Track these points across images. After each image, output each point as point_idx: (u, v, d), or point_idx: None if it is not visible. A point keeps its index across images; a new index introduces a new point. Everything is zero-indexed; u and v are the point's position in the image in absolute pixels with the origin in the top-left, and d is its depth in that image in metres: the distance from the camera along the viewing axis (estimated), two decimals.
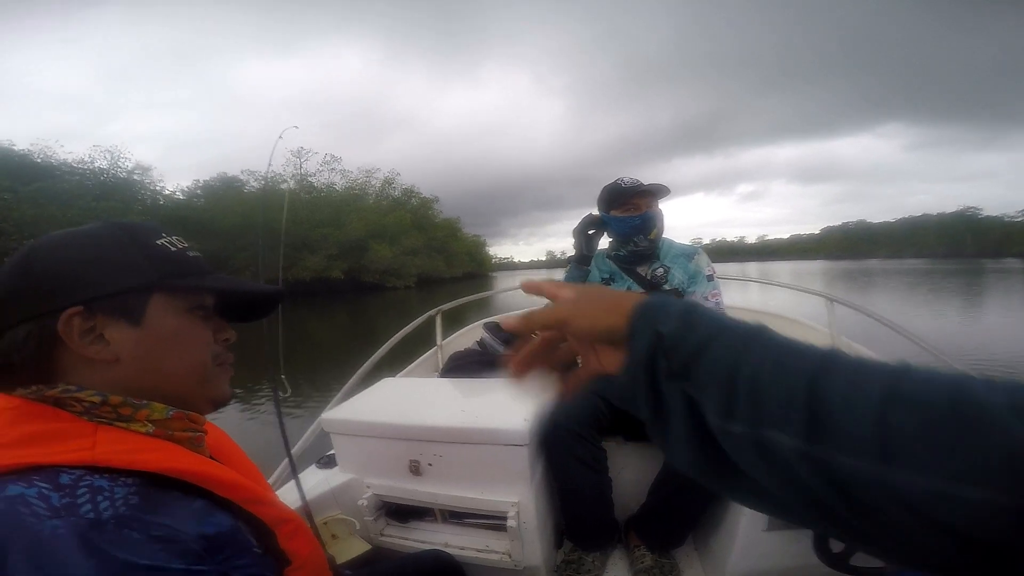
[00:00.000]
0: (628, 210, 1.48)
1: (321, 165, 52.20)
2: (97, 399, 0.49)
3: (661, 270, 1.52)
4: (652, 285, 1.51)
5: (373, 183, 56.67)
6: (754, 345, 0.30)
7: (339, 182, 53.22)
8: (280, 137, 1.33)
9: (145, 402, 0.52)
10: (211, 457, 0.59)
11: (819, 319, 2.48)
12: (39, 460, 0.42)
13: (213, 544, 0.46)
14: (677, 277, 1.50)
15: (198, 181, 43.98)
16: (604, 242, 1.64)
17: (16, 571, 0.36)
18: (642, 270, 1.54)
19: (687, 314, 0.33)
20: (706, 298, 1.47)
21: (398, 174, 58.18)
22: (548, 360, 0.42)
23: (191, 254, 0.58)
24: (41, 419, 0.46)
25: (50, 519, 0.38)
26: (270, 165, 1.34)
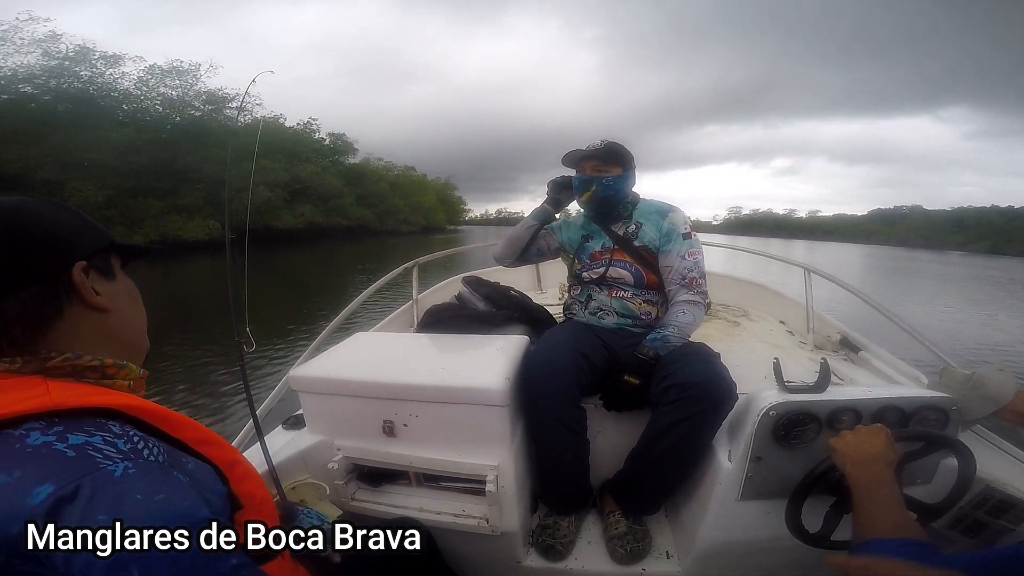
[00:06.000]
0: (584, 171, 1.55)
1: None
2: (96, 363, 0.51)
3: (633, 227, 1.56)
4: (625, 241, 1.56)
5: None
6: None
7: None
8: (253, 81, 1.28)
9: (124, 362, 0.54)
10: None
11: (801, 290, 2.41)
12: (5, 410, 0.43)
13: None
14: (648, 234, 1.53)
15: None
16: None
17: (95, 507, 0.38)
18: (616, 228, 1.59)
19: None
20: (683, 256, 1.48)
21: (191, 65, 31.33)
22: None
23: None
24: None
25: (122, 461, 0.42)
26: (241, 107, 1.67)
